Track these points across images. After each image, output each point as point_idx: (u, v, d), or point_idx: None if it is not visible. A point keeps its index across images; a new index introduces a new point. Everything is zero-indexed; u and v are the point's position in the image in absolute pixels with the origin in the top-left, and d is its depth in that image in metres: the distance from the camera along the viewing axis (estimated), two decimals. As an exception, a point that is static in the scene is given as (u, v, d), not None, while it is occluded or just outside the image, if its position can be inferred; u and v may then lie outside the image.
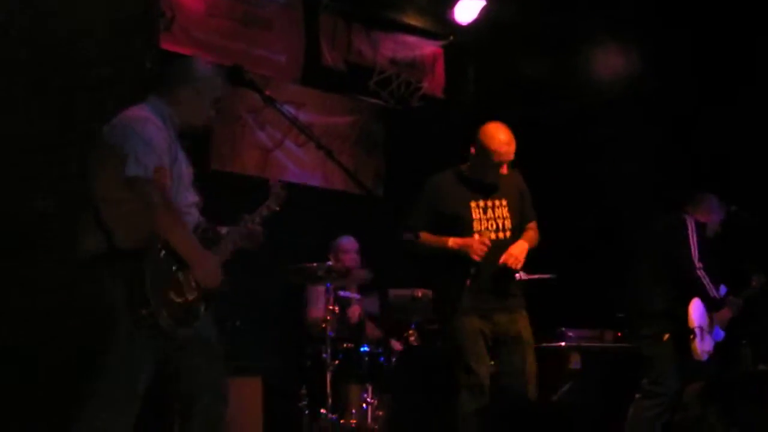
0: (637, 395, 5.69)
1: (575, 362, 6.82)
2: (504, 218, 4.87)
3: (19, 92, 5.02)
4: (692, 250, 5.55)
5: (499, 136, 4.77)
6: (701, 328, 5.58)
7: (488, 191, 4.89)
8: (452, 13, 7.82)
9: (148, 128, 3.45)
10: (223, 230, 3.72)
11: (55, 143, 5.04)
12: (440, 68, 8.11)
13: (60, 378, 4.71)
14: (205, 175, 3.92)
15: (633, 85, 7.42)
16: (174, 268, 3.37)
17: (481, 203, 4.86)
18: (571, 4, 7.38)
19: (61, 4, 5.16)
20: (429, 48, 8.04)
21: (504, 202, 4.89)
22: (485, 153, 4.77)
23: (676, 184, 6.10)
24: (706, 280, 5.55)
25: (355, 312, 6.35)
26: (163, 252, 3.35)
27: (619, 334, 6.90)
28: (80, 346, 3.89)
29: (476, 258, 4.67)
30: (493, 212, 4.87)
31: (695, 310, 5.59)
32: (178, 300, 3.37)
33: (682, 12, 7.00)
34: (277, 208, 3.92)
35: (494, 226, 4.84)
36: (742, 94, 6.85)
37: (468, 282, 4.67)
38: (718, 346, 5.72)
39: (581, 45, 7.69)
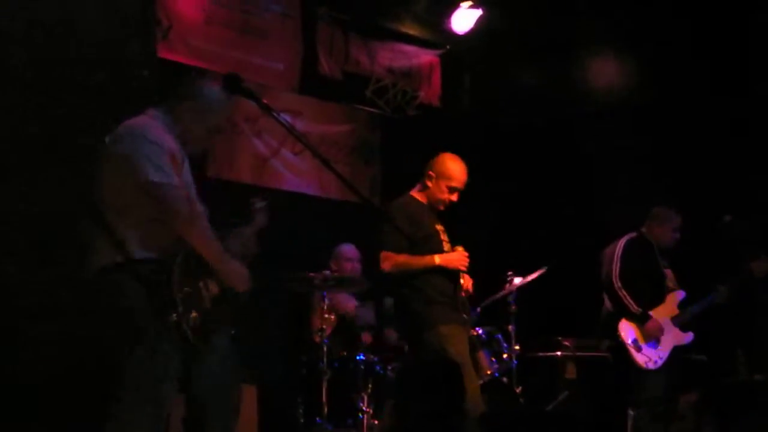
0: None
1: (571, 371, 6.82)
2: (448, 242, 5.13)
3: (13, 94, 5.01)
4: (614, 270, 5.95)
5: (460, 168, 5.09)
6: (634, 341, 5.88)
7: (439, 217, 5.18)
8: (449, 22, 7.84)
9: (154, 131, 3.35)
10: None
11: (49, 146, 5.04)
12: (437, 77, 8.12)
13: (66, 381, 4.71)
14: (202, 182, 3.86)
15: (629, 94, 7.43)
16: (198, 275, 3.32)
17: (439, 227, 5.14)
18: (567, 14, 7.39)
19: (57, 9, 5.16)
20: (426, 57, 8.05)
21: (443, 228, 5.17)
22: (443, 182, 5.06)
23: (669, 195, 6.14)
24: (627, 299, 5.89)
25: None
26: (188, 258, 3.27)
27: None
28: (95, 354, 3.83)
29: (464, 269, 4.95)
30: (446, 236, 5.15)
31: (623, 328, 5.93)
32: (201, 307, 3.31)
33: (679, 22, 7.02)
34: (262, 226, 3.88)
35: (448, 249, 5.08)
36: (737, 105, 6.86)
37: (462, 293, 4.96)
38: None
39: (577, 54, 7.70)
